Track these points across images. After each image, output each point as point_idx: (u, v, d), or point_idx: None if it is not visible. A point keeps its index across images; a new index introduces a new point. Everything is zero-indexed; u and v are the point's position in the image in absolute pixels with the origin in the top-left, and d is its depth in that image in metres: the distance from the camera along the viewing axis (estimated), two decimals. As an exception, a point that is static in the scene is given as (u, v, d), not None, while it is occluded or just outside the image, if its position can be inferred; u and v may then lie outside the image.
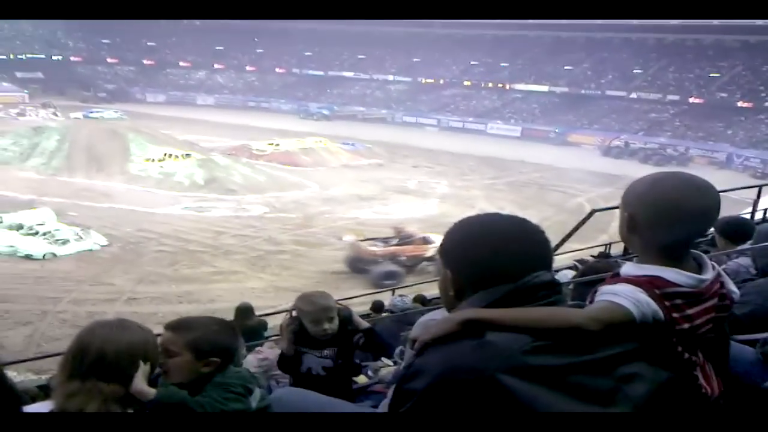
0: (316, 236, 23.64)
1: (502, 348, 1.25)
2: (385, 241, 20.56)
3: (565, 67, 65.44)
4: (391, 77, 73.11)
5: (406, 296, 9.43)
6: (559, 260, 6.31)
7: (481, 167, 40.97)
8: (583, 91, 62.30)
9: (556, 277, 1.51)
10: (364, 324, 3.32)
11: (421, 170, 38.97)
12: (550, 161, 43.07)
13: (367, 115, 66.18)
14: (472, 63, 71.03)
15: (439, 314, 1.58)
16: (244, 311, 8.11)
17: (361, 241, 20.45)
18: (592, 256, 7.44)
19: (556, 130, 57.20)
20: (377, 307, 8.78)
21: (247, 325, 7.90)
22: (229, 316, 8.66)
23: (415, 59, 73.10)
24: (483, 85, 68.17)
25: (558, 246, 5.98)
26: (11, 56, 70.30)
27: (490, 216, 1.51)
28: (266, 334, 8.09)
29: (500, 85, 67.29)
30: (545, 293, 1.38)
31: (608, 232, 17.25)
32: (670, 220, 1.42)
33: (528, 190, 34.58)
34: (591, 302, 1.45)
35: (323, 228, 24.80)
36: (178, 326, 2.08)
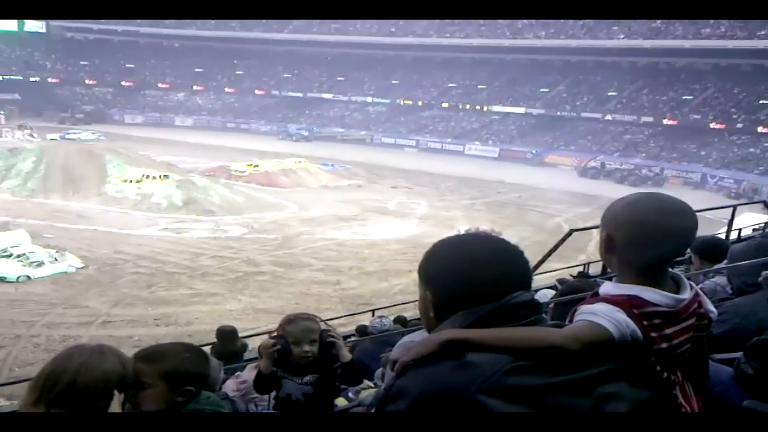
0: (295, 257, 23.58)
1: (482, 368, 1.24)
2: None
3: (542, 90, 66.27)
4: (369, 99, 73.43)
5: (386, 317, 9.38)
6: (539, 280, 6.33)
7: (460, 188, 41.21)
8: (559, 113, 63.08)
9: (536, 296, 1.51)
10: (346, 356, 3.27)
11: (401, 191, 39.10)
12: (528, 182, 43.45)
13: (346, 136, 66.36)
14: (450, 85, 71.68)
15: (419, 335, 1.56)
16: (228, 334, 7.99)
17: None
18: (571, 275, 7.48)
19: (534, 151, 57.77)
20: (361, 331, 8.72)
21: (230, 349, 7.77)
22: (208, 338, 8.56)
23: (393, 81, 73.59)
24: (461, 106, 68.73)
25: (537, 266, 6.00)
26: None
27: (469, 236, 1.50)
28: (246, 356, 7.99)
29: (478, 107, 67.90)
30: (525, 313, 1.38)
31: (586, 252, 17.43)
32: (647, 240, 1.41)
33: (507, 210, 34.83)
34: (570, 322, 1.44)
35: (302, 249, 24.76)
36: (150, 356, 2.03)
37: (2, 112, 63.51)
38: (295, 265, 22.57)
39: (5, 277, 19.31)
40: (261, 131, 68.54)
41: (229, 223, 28.26)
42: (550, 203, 36.38)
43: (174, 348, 2.12)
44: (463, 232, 24.19)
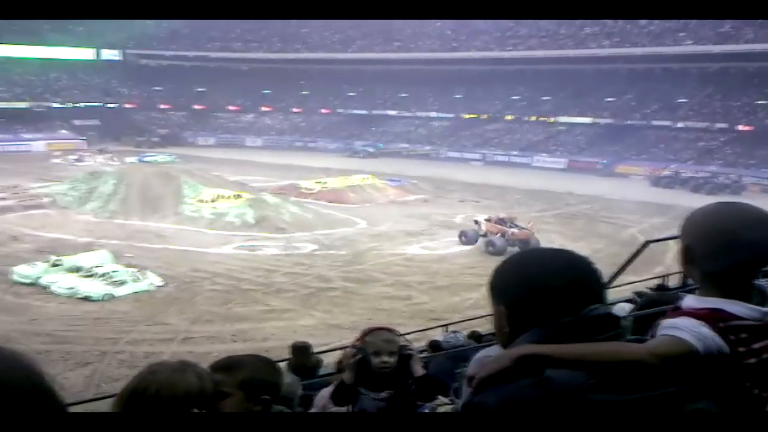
0: (365, 273, 23.75)
1: (561, 385, 1.22)
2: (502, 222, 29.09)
3: (608, 99, 64.94)
4: (433, 114, 73.57)
5: (459, 332, 9.38)
6: (614, 293, 6.28)
7: (528, 200, 40.70)
8: (628, 122, 61.62)
9: (613, 310, 1.47)
10: (420, 371, 3.29)
11: (468, 204, 38.91)
12: (599, 192, 42.58)
13: (411, 151, 66.57)
14: (513, 97, 71.08)
15: (495, 351, 1.47)
16: (302, 349, 8.16)
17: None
18: (649, 288, 7.35)
19: (603, 162, 56.55)
20: (434, 346, 8.73)
21: (305, 364, 7.92)
22: (284, 354, 8.78)
23: (456, 95, 73.49)
24: (526, 118, 68.06)
25: (612, 279, 5.96)
26: (69, 105, 73.18)
27: (540, 250, 1.52)
28: (321, 372, 8.13)
29: (543, 118, 67.09)
30: (603, 327, 1.35)
31: (664, 264, 16.94)
32: (728, 250, 1.37)
33: (577, 222, 34.19)
34: (652, 337, 1.40)
35: (372, 264, 24.92)
36: (227, 367, 2.11)
37: (84, 138, 66.85)
38: (365, 280, 22.77)
39: (90, 296, 20.03)
40: (328, 149, 69.53)
41: (300, 240, 28.71)
42: (622, 214, 35.52)
43: (248, 358, 2.21)
44: (481, 221, 26.70)
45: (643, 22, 64.32)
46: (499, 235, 28.11)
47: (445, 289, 21.92)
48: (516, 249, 25.72)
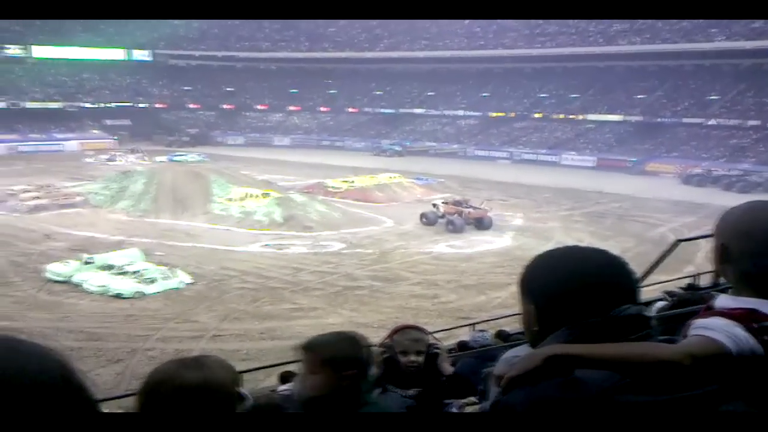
0: (392, 271, 23.79)
1: (591, 385, 1.20)
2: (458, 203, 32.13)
3: (638, 96, 64.16)
4: (461, 112, 73.33)
5: (487, 331, 9.35)
6: (645, 292, 6.22)
7: (556, 199, 40.39)
8: (658, 120, 60.77)
9: (644, 310, 1.45)
10: (449, 369, 3.32)
11: (496, 203, 38.66)
12: (629, 191, 42.09)
13: (438, 150, 66.46)
14: (541, 95, 70.55)
15: (523, 350, 1.46)
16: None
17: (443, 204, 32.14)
18: (680, 287, 7.27)
19: (633, 160, 55.84)
20: (462, 345, 8.69)
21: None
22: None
23: (484, 94, 73.17)
24: (554, 116, 67.53)
25: (643, 278, 5.90)
26: (101, 105, 74.37)
27: (572, 248, 1.47)
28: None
29: (572, 116, 66.49)
30: (634, 327, 1.32)
31: (695, 263, 16.69)
32: (764, 250, 1.35)
33: (607, 221, 33.83)
34: (684, 337, 1.36)
35: (399, 263, 24.96)
36: (310, 346, 2.22)
37: (116, 137, 67.90)
38: (392, 279, 22.80)
39: (121, 293, 20.32)
40: (355, 148, 69.72)
41: (327, 238, 28.85)
42: (652, 213, 35.10)
43: (331, 336, 2.31)
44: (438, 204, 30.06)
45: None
46: (456, 215, 31.06)
47: (473, 287, 21.87)
48: (472, 227, 31.05)
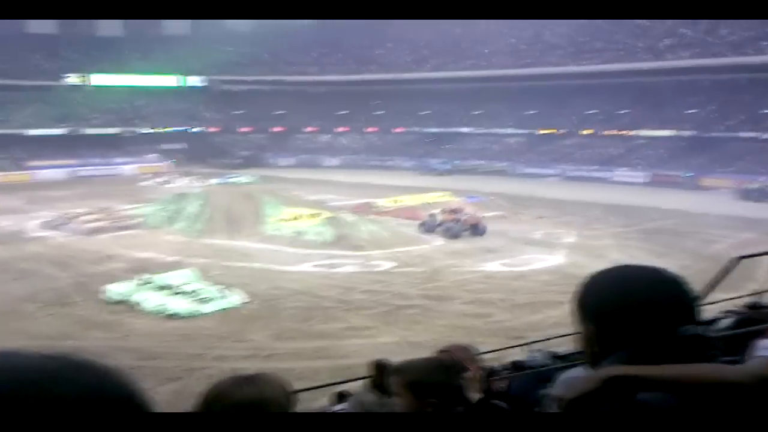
0: (444, 290, 23.66)
1: (652, 408, 1.18)
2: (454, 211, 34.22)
3: (690, 111, 62.76)
4: (509, 130, 72.94)
5: (542, 351, 9.28)
6: (706, 312, 6.13)
7: (609, 216, 39.70)
8: (711, 134, 59.26)
9: (706, 330, 1.44)
10: (474, 396, 3.16)
11: (546, 221, 38.31)
12: (684, 207, 41.12)
13: (486, 168, 66.11)
14: (590, 112, 69.65)
15: (581, 371, 1.45)
16: (383, 368, 8.25)
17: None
18: (743, 306, 7.12)
19: (687, 175, 54.56)
20: (516, 366, 8.67)
21: (384, 382, 8.01)
22: (364, 372, 8.91)
23: (531, 111, 72.66)
24: (604, 132, 66.59)
25: (703, 296, 5.83)
26: (157, 130, 76.64)
27: (628, 267, 1.45)
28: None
29: (622, 132, 65.46)
30: (696, 348, 1.30)
31: (757, 280, 16.22)
32: None
33: (662, 238, 33.04)
34: (749, 358, 1.38)
35: (451, 281, 24.85)
36: (399, 369, 2.26)
37: (172, 161, 69.79)
38: (444, 297, 22.67)
39: (178, 313, 20.68)
40: (403, 167, 69.95)
41: (378, 257, 28.91)
42: (709, 229, 34.21)
43: (421, 361, 2.30)
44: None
45: (723, 31, 62.21)
46: (453, 222, 33.34)
47: (526, 306, 21.59)
48: (467, 233, 33.12)
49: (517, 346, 13.29)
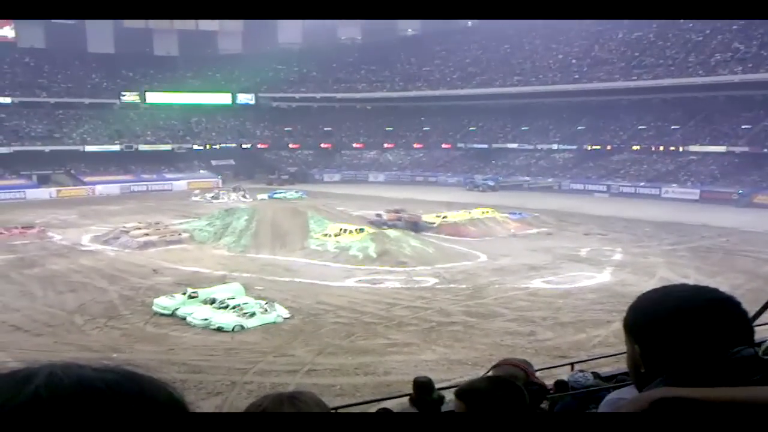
0: (486, 307, 23.44)
1: None
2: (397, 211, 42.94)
3: (744, 126, 60.99)
4: (555, 146, 72.23)
5: (587, 372, 9.07)
6: (759, 333, 5.91)
7: (658, 233, 38.82)
8: (765, 150, 57.43)
9: (760, 351, 1.38)
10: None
11: (594, 238, 37.67)
12: (736, 224, 40.00)
13: (532, 184, 65.61)
14: (640, 127, 68.41)
15: (628, 392, 1.39)
16: (424, 385, 8.18)
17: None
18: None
19: (740, 192, 52.94)
20: (561, 386, 8.49)
21: (426, 400, 7.95)
22: (405, 389, 8.85)
23: (579, 127, 71.85)
24: (654, 148, 65.31)
25: (756, 316, 5.60)
26: (208, 146, 78.35)
27: (678, 286, 1.39)
28: (443, 408, 8.09)
29: (672, 148, 64.05)
30: (749, 370, 1.24)
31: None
32: None
33: (713, 256, 32.14)
34: None
35: (494, 299, 24.60)
36: (461, 393, 2.13)
37: (220, 177, 71.18)
38: (487, 315, 22.44)
39: (223, 327, 20.96)
40: (448, 183, 69.92)
41: (421, 273, 28.85)
42: (763, 247, 33.10)
43: (484, 383, 2.20)
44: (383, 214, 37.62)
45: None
46: (396, 220, 40.76)
47: (571, 325, 21.19)
48: (409, 229, 37.92)
49: (560, 365, 13.05)
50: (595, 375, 8.77)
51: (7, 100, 71.75)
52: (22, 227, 39.33)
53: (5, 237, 36.50)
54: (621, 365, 9.92)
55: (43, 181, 64.39)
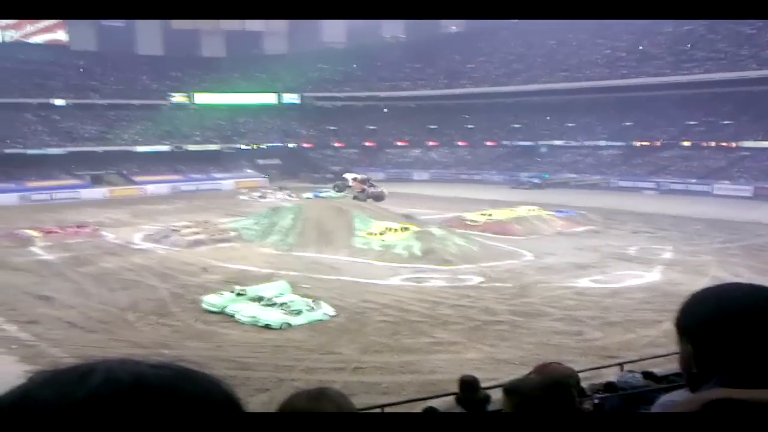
0: (532, 306, 23.21)
1: None
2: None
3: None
4: (602, 142, 71.08)
5: (637, 372, 8.94)
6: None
7: (709, 231, 37.87)
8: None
9: None
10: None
11: (642, 236, 36.97)
12: (792, 222, 38.72)
13: (579, 181, 64.70)
14: (690, 123, 66.85)
15: (680, 395, 1.37)
16: (470, 384, 8.18)
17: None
18: None
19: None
20: (609, 387, 8.38)
21: (472, 400, 7.95)
22: (451, 387, 8.86)
23: (626, 123, 70.52)
24: (704, 144, 63.68)
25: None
26: (254, 146, 79.50)
27: (732, 285, 1.37)
28: (489, 408, 8.08)
29: (724, 143, 62.39)
30: None
31: None
32: None
33: (767, 255, 31.23)
34: None
35: (540, 298, 24.34)
36: (508, 389, 2.19)
37: (266, 176, 72.10)
38: (533, 314, 22.22)
39: (270, 324, 21.18)
40: (493, 181, 69.45)
41: (466, 272, 28.72)
42: (821, 246, 32.05)
43: (534, 382, 2.24)
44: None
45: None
46: (361, 190, 44.00)
47: (619, 324, 20.86)
48: (371, 199, 43.75)
49: (609, 366, 12.89)
50: (647, 375, 8.62)
51: (62, 102, 73.91)
52: (77, 226, 40.47)
53: (60, 236, 37.59)
54: (672, 366, 9.76)
55: (96, 181, 66.09)
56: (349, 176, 47.15)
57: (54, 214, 48.22)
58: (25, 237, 37.13)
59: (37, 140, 68.40)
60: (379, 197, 44.21)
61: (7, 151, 64.35)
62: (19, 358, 18.52)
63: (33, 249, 35.17)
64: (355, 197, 42.82)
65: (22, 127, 69.81)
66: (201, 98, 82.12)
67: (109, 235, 39.34)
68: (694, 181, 58.86)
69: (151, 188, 66.07)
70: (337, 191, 45.32)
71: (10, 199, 57.39)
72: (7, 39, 77.26)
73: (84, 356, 17.95)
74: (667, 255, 31.70)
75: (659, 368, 9.87)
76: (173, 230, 37.95)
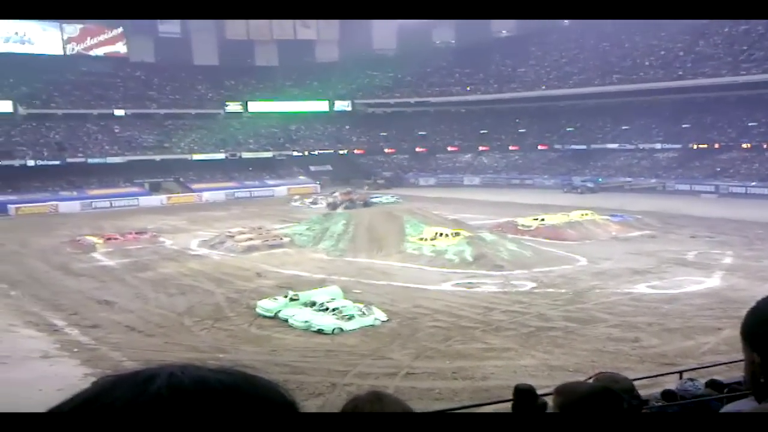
0: (587, 312, 22.81)
1: None
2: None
3: None
4: (658, 145, 69.39)
5: (697, 380, 8.69)
6: None
7: (772, 235, 36.58)
8: None
9: None
10: None
11: (701, 240, 35.95)
12: None
13: (634, 185, 63.38)
14: (750, 124, 64.69)
15: (746, 404, 1.37)
16: (525, 392, 8.05)
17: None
18: None
19: None
20: (668, 396, 8.18)
21: (528, 408, 7.83)
22: (505, 394, 8.81)
23: (684, 125, 68.69)
24: (766, 146, 61.51)
25: None
26: (306, 153, 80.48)
27: None
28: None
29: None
30: None
31: None
32: None
33: (836, 261, 30.01)
34: None
35: (595, 303, 23.92)
36: (557, 390, 2.20)
37: (318, 182, 72.92)
38: (588, 320, 21.84)
39: (323, 329, 21.38)
40: (545, 185, 68.59)
41: (519, 277, 28.43)
42: None
43: (584, 386, 2.22)
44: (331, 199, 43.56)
45: None
46: (348, 201, 50.93)
47: (678, 331, 20.29)
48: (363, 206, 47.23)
49: (668, 373, 12.57)
50: (710, 383, 8.35)
51: (121, 112, 76.18)
52: (136, 232, 41.71)
53: (120, 242, 38.80)
54: (733, 374, 9.47)
55: (155, 189, 67.96)
56: (337, 194, 54.71)
57: (114, 221, 49.84)
58: (87, 244, 38.44)
59: (98, 149, 70.71)
60: (366, 202, 52.02)
61: (70, 160, 66.77)
62: (81, 361, 19.13)
63: (95, 255, 36.38)
64: (346, 207, 49.43)
65: (84, 136, 72.34)
66: (254, 106, 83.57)
67: (167, 241, 40.35)
68: (755, 183, 56.99)
69: (207, 195, 67.57)
70: (331, 209, 49.69)
71: (73, 206, 59.75)
72: (69, 52, 79.95)
73: (142, 359, 18.47)
74: (728, 260, 30.77)
75: (721, 376, 9.59)
76: (228, 236, 38.68)
